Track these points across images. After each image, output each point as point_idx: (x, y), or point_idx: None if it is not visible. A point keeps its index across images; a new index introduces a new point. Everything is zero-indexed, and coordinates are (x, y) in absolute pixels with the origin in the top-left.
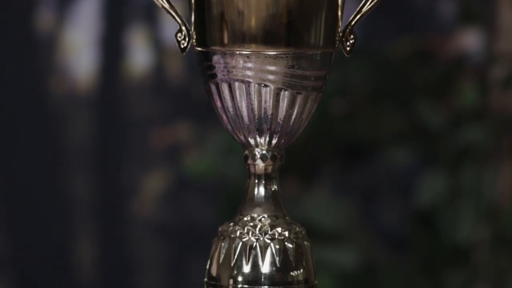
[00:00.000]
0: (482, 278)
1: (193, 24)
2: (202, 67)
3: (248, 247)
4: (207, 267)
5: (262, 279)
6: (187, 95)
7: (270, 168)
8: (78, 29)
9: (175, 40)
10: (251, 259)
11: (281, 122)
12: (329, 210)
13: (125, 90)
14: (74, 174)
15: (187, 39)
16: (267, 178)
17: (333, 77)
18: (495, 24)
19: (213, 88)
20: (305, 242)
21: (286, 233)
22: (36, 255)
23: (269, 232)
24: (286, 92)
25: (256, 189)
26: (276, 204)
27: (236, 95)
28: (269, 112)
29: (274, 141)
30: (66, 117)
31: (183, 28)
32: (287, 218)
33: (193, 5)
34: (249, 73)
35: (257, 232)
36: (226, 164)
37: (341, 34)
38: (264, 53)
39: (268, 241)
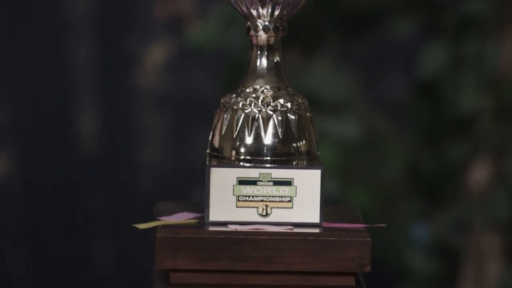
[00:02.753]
0: (484, 148)
1: None
2: None
3: (250, 118)
4: (210, 138)
5: (265, 151)
6: None
7: (272, 40)
8: None
9: None
10: (253, 131)
11: None
12: (332, 81)
13: None
14: (76, 44)
15: None
16: (270, 49)
17: None
18: None
19: None
20: (308, 113)
21: (289, 105)
22: (38, 126)
23: (272, 104)
24: None
25: (258, 61)
26: (279, 76)
27: None
28: None
29: (276, 12)
30: None
31: None
32: (289, 89)
33: None
34: None
35: (260, 103)
36: (228, 35)
37: None
38: None
39: (271, 112)
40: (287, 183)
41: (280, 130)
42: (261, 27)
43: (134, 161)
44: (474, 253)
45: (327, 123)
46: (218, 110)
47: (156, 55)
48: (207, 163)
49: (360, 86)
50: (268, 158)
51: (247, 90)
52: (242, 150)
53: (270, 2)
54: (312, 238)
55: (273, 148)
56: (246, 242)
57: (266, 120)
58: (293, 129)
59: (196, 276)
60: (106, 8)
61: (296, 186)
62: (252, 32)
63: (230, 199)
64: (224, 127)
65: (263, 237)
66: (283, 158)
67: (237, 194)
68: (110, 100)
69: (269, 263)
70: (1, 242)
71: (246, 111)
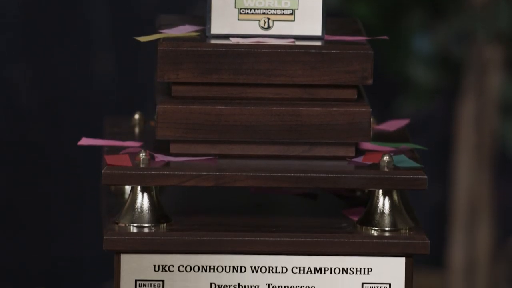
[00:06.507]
0: None
1: None
2: None
3: None
4: None
5: None
6: None
7: None
8: None
9: None
10: None
11: None
12: None
13: None
14: None
15: None
16: None
17: None
18: None
19: None
20: None
21: None
22: None
23: None
24: None
25: None
26: None
27: None
28: None
29: None
30: None
31: None
32: None
33: None
34: None
35: None
36: None
37: None
38: None
39: None
40: None
41: None
42: None
43: None
44: (475, 64)
45: None
46: None
47: None
48: None
49: None
50: None
51: None
52: None
53: None
54: (314, 51)
55: None
56: (247, 55)
57: None
58: None
59: (198, 89)
60: None
61: None
62: None
63: (232, 12)
64: None
65: (265, 50)
66: None
67: (239, 7)
68: None
69: (271, 76)
70: (1, 55)
71: None
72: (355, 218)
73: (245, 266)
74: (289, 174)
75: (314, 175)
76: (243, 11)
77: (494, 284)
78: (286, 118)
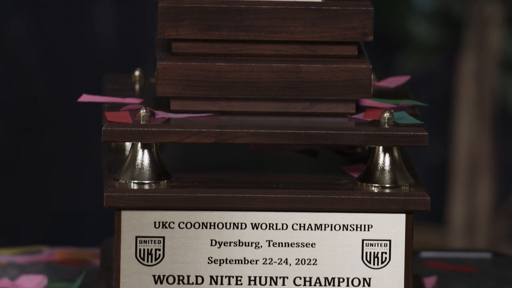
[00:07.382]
0: None
1: None
2: None
3: None
4: None
5: None
6: None
7: None
8: None
9: None
10: None
11: None
12: None
13: None
14: None
15: None
16: None
17: None
18: None
19: None
20: None
21: None
22: None
23: None
24: None
25: None
26: None
27: None
28: None
29: None
30: None
31: None
32: None
33: None
34: None
35: None
36: None
37: None
38: None
39: None
40: None
41: None
42: None
43: None
44: (476, 21)
45: None
46: None
47: None
48: None
49: None
50: None
51: None
52: None
53: None
54: (314, 7)
55: None
56: (248, 11)
57: None
58: None
59: (198, 45)
60: None
61: None
62: None
63: None
64: None
65: (265, 6)
66: None
67: None
68: None
69: (271, 32)
70: (1, 11)
71: None
72: (355, 175)
73: (245, 222)
74: (290, 131)
75: (314, 131)
76: None
77: (494, 240)
78: (286, 75)
